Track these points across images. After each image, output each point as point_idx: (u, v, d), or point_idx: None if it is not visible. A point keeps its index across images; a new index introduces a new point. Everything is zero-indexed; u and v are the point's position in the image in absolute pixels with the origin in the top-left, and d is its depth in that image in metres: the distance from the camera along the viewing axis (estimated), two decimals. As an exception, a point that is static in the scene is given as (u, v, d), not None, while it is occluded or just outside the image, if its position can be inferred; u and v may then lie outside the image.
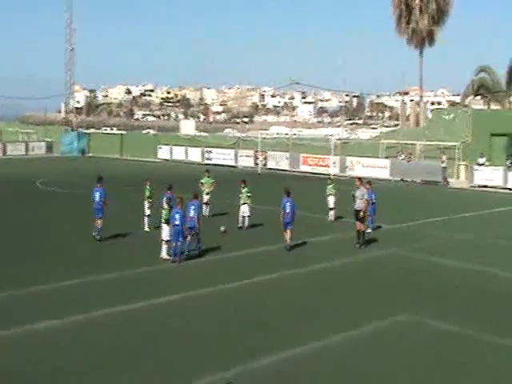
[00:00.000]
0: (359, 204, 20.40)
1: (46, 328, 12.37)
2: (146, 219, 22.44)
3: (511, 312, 14.14)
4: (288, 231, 19.52)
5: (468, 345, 11.88)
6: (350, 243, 20.46)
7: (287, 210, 19.42)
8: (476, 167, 40.54)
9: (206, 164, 51.98)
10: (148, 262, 17.68)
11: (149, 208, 22.41)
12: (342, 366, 10.83)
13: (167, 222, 18.14)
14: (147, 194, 22.54)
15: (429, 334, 12.53)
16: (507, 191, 37.85)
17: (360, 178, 21.78)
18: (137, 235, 21.72)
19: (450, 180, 41.77)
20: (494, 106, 65.10)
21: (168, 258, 18.00)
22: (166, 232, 18.18)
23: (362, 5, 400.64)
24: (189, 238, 18.25)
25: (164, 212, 18.46)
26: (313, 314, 13.61)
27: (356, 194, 20.60)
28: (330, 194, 25.26)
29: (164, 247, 18.19)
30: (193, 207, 18.30)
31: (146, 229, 22.33)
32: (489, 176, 39.79)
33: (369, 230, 22.44)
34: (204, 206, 24.09)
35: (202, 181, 25.91)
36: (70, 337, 11.98)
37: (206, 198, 25.20)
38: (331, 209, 25.29)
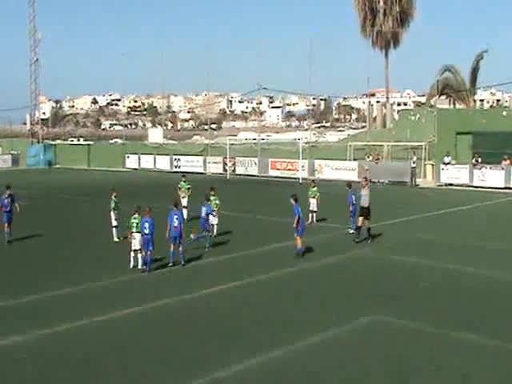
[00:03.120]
0: (366, 201, 21.54)
1: (9, 344, 12.10)
2: (114, 230, 22.28)
3: (474, 307, 14.30)
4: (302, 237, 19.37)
5: (437, 343, 11.94)
6: (319, 246, 20.59)
7: (302, 216, 19.42)
8: (442, 166, 41.00)
9: (175, 172, 51.87)
10: (119, 272, 17.50)
11: (115, 219, 22.24)
12: (305, 372, 10.75)
13: (138, 231, 17.85)
14: (113, 205, 22.41)
15: (395, 333, 12.57)
16: (473, 189, 38.38)
17: (366, 177, 22.94)
18: (106, 246, 21.56)
19: (417, 180, 42.14)
20: (458, 105, 65.97)
21: (140, 267, 17.77)
22: (136, 241, 17.92)
23: (327, 8, 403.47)
24: (172, 247, 18.10)
25: (130, 220, 18.06)
26: (278, 319, 13.54)
27: (362, 193, 21.73)
28: (313, 197, 25.45)
29: (138, 256, 17.85)
30: (176, 216, 18.11)
31: (116, 239, 22.17)
32: (455, 174, 40.31)
33: (351, 231, 22.83)
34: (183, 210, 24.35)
35: (179, 185, 26.71)
36: (33, 352, 11.77)
37: (183, 201, 25.82)
38: (313, 211, 25.41)
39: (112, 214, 22.34)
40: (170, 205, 18.78)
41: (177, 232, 17.98)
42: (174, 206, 18.66)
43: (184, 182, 26.89)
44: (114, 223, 22.29)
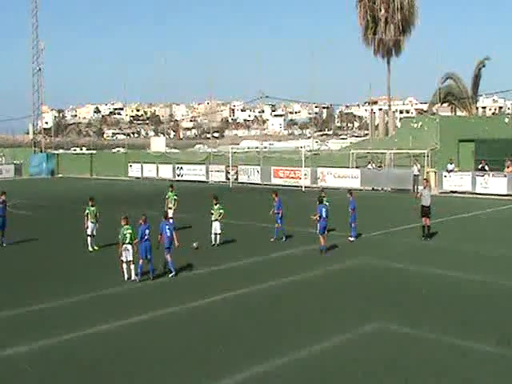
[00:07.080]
0: (427, 200, 23.09)
1: (12, 355, 12.05)
2: (88, 239, 22.12)
3: (476, 314, 14.24)
4: (323, 235, 20.76)
5: (440, 349, 11.89)
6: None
7: (324, 215, 20.70)
8: (445, 174, 40.94)
9: (178, 180, 51.90)
10: (116, 282, 17.38)
11: (91, 228, 22.07)
12: (308, 378, 10.70)
13: (129, 242, 17.63)
14: (86, 211, 22.17)
15: (398, 340, 12.52)
16: (476, 196, 38.30)
17: (426, 179, 25.89)
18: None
19: (419, 187, 42.02)
20: (460, 113, 65.98)
21: (135, 278, 17.58)
22: (129, 253, 17.68)
23: (329, 16, 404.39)
24: (167, 256, 18.06)
25: (122, 232, 17.74)
26: (282, 326, 13.52)
27: (424, 193, 23.30)
28: None
29: (131, 267, 17.65)
30: (167, 227, 18.14)
31: (90, 248, 22.04)
32: (458, 182, 40.23)
33: (351, 239, 22.97)
34: None
35: (167, 196, 26.30)
36: (37, 362, 11.73)
37: (169, 212, 24.98)
38: None
39: (89, 222, 22.10)
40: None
41: (169, 242, 17.97)
42: (164, 218, 18.80)
43: (171, 192, 26.25)
44: (89, 232, 22.11)
